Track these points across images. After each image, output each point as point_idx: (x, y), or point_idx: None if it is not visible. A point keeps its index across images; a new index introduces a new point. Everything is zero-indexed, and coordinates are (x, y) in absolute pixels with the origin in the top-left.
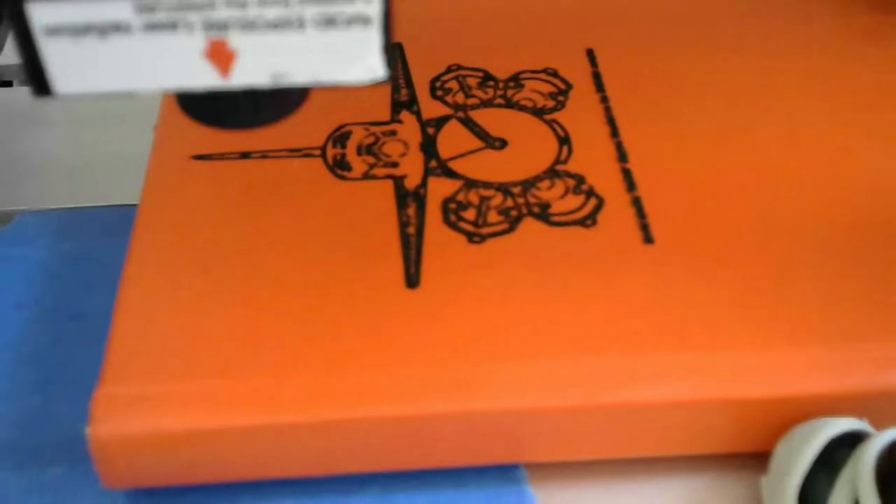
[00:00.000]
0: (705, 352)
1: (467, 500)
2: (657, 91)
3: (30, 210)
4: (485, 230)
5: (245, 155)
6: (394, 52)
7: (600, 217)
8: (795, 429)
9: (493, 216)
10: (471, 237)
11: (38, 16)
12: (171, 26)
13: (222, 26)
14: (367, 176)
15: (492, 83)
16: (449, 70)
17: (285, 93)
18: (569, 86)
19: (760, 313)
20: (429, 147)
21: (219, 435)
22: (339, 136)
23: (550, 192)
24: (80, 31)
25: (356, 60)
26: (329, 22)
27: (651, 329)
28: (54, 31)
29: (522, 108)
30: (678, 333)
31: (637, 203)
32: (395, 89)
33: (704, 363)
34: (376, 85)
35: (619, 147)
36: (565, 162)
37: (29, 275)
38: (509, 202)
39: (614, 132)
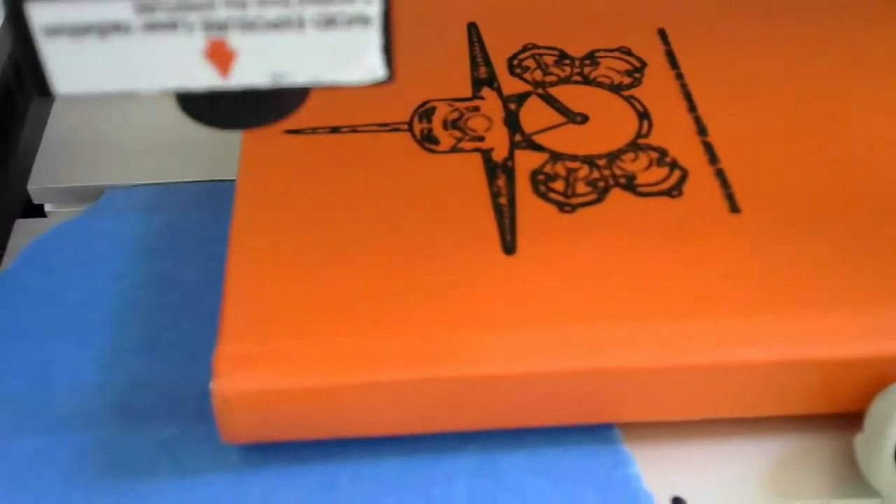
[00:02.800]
0: (798, 314)
1: (565, 458)
2: (731, 67)
3: (118, 185)
4: (574, 200)
5: (335, 129)
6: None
7: (685, 188)
8: (893, 386)
9: (581, 187)
10: (561, 207)
11: (38, 16)
12: (171, 26)
13: (222, 26)
14: (454, 149)
15: (568, 61)
16: (525, 49)
17: (285, 93)
18: (643, 63)
19: (850, 275)
20: (512, 122)
21: (334, 391)
22: (425, 112)
23: (635, 165)
24: (80, 31)
25: (356, 60)
26: (329, 22)
27: (743, 292)
28: (54, 31)
29: (600, 85)
30: (770, 297)
31: (721, 174)
32: (474, 67)
33: (797, 325)
34: (375, 85)
35: (698, 121)
36: (647, 136)
37: (122, 247)
38: (595, 174)
39: (692, 107)
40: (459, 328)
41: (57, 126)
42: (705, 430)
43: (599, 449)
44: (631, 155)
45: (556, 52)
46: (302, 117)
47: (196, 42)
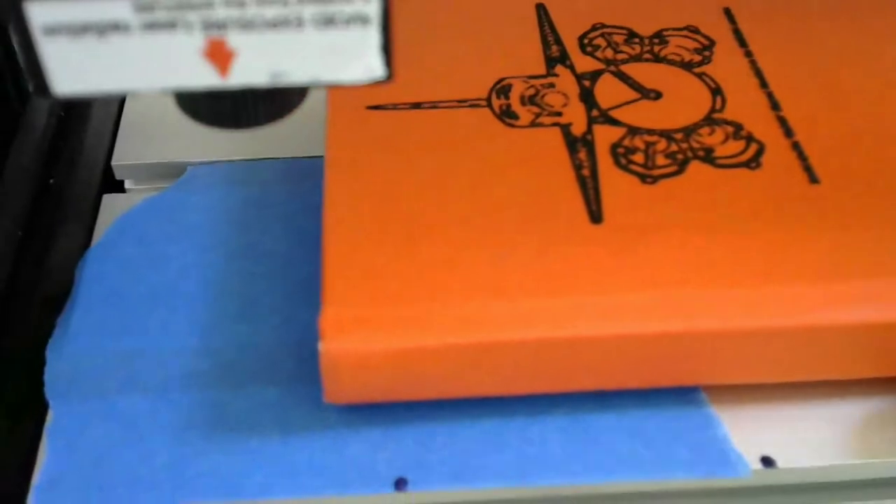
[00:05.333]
0: (880, 278)
1: (653, 420)
2: (798, 44)
3: (198, 162)
4: (655, 172)
5: (416, 105)
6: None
7: (763, 160)
8: None
9: (660, 160)
10: (643, 178)
11: (37, 15)
12: (170, 26)
13: (221, 26)
14: (533, 124)
15: (637, 40)
16: (594, 28)
17: (284, 92)
18: (712, 42)
19: None
20: (588, 98)
21: (435, 352)
22: (501, 88)
23: (712, 138)
24: (79, 30)
25: (355, 60)
26: (328, 21)
27: (828, 258)
28: (53, 30)
29: (671, 62)
30: (854, 262)
31: (797, 147)
32: (546, 45)
33: (880, 289)
34: (374, 84)
35: (771, 97)
36: (721, 111)
37: (210, 220)
38: (674, 147)
39: (763, 83)
40: (552, 293)
41: (137, 103)
42: (789, 392)
43: (686, 411)
44: (707, 129)
45: (624, 31)
46: (382, 94)
47: (195, 41)
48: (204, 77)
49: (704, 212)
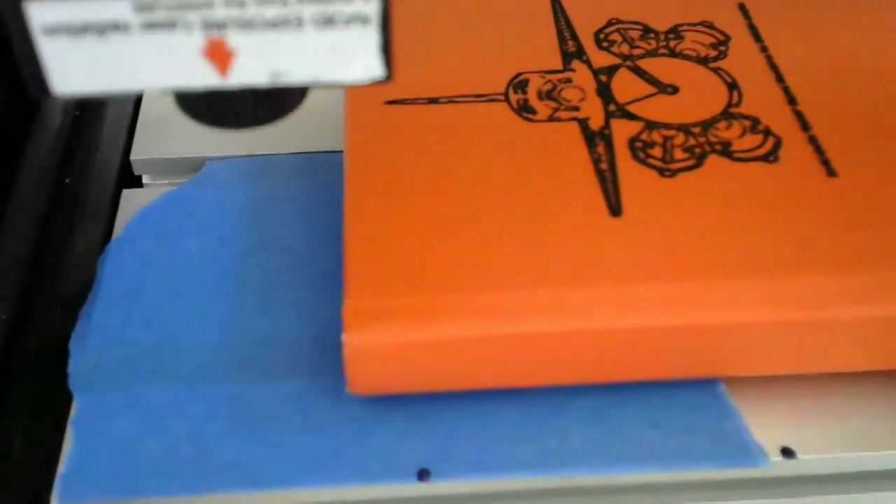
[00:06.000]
0: None
1: (674, 412)
2: (812, 39)
3: (216, 157)
4: (674, 166)
5: (433, 100)
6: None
7: (781, 154)
8: None
9: (678, 153)
10: (662, 172)
11: (37, 15)
12: (170, 25)
13: (221, 25)
14: (551, 118)
15: (652, 35)
16: (609, 23)
17: (284, 92)
18: (727, 37)
19: None
20: (605, 92)
21: (457, 344)
22: (519, 83)
23: (729, 132)
24: (79, 30)
25: (355, 60)
26: (328, 21)
27: (845, 251)
28: (53, 30)
29: (687, 57)
30: (873, 254)
31: (814, 141)
32: (562, 41)
33: None
34: (374, 84)
35: (787, 91)
36: (738, 105)
37: (228, 214)
38: (692, 141)
39: (779, 78)
40: (574, 285)
41: (155, 99)
42: (808, 383)
43: (706, 403)
44: (724, 123)
45: (640, 27)
46: (400, 89)
47: (195, 41)
48: (204, 77)
49: (723, 205)
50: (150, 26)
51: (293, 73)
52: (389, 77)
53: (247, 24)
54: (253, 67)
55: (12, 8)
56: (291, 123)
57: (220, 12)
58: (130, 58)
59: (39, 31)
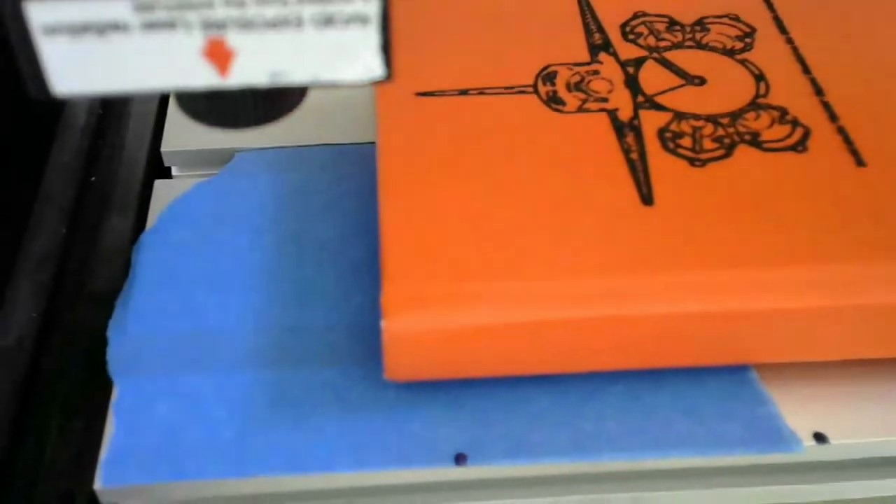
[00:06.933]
0: None
1: (705, 399)
2: (837, 30)
3: (245, 148)
4: (703, 156)
5: (463, 92)
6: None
7: (809, 144)
8: None
9: (708, 143)
10: (692, 161)
11: (37, 15)
12: (170, 25)
13: (221, 25)
14: (580, 109)
15: (678, 27)
16: (635, 16)
17: (284, 92)
18: (753, 29)
19: None
20: (633, 84)
21: (495, 330)
22: (547, 75)
23: (758, 123)
24: (79, 30)
25: (355, 59)
26: (327, 21)
27: (874, 239)
28: (52, 30)
29: (713, 49)
30: None
31: (842, 131)
32: (588, 33)
33: None
34: (373, 84)
35: (814, 82)
36: (765, 96)
37: (259, 204)
38: (720, 131)
39: (805, 69)
40: (608, 273)
41: None
42: (840, 369)
43: (739, 389)
44: (752, 114)
45: (665, 20)
46: (429, 81)
47: (195, 41)
48: (203, 77)
49: (753, 194)
50: (150, 26)
51: (293, 73)
52: (389, 77)
53: (246, 24)
54: (253, 67)
55: (12, 8)
56: (317, 116)
57: (220, 12)
58: (130, 58)
59: (39, 31)
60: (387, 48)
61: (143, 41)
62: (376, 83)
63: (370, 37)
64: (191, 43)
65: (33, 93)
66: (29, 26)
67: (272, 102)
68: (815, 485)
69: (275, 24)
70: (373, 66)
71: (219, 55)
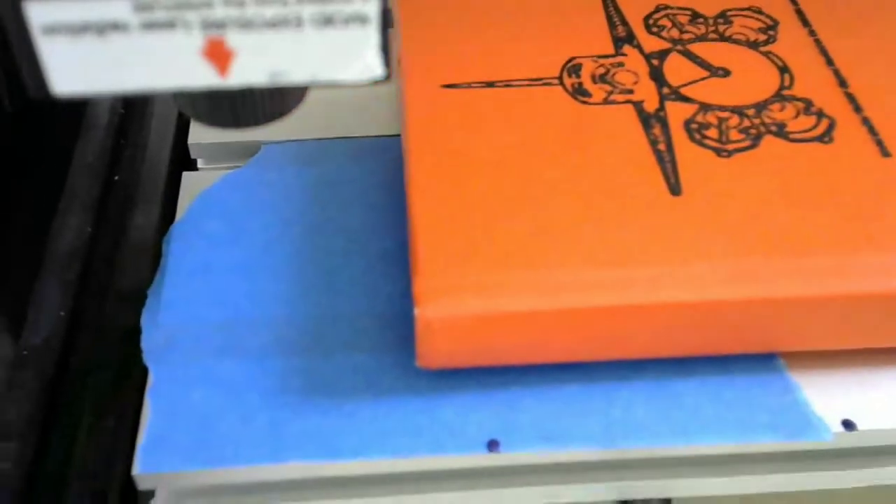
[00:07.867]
0: None
1: (734, 386)
2: (859, 22)
3: (271, 141)
4: (730, 146)
5: (489, 84)
6: (391, 50)
7: (835, 135)
8: None
9: (734, 134)
10: (718, 152)
11: (36, 15)
12: (169, 25)
13: (220, 25)
14: (606, 101)
15: (701, 20)
16: (658, 9)
17: (284, 91)
18: (775, 21)
19: None
20: (658, 76)
21: (527, 317)
22: (572, 67)
23: (783, 114)
24: (78, 30)
25: (354, 59)
26: (327, 21)
27: None
28: (52, 30)
29: (736, 42)
30: None
31: (867, 123)
32: (612, 26)
33: None
34: (373, 83)
35: (837, 74)
36: (790, 88)
37: (287, 196)
38: (746, 122)
39: (829, 61)
40: (638, 262)
41: None
42: (867, 356)
43: (766, 377)
44: (777, 105)
45: (688, 12)
46: (455, 73)
47: (194, 41)
48: (203, 77)
49: (781, 184)
50: (150, 26)
51: (292, 73)
52: (388, 77)
53: (246, 24)
54: (252, 67)
55: (12, 8)
56: (343, 110)
57: (220, 12)
58: (130, 57)
59: (39, 30)
60: (386, 48)
61: (143, 41)
62: (377, 83)
63: (370, 36)
64: (190, 43)
65: (33, 92)
66: (29, 26)
67: (271, 102)
68: (844, 471)
69: (274, 24)
70: (372, 66)
71: (218, 55)
